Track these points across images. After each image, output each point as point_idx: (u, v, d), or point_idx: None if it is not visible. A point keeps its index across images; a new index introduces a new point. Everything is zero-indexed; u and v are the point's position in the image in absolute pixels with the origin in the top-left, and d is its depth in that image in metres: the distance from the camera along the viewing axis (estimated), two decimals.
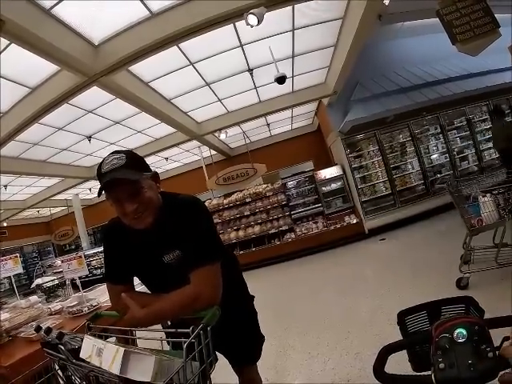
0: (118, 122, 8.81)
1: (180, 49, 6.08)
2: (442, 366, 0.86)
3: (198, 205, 1.76)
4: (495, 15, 4.73)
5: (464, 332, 0.89)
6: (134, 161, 1.61)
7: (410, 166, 10.23)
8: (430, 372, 0.91)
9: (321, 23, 6.59)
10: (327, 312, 4.93)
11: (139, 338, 1.60)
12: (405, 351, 1.15)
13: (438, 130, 10.33)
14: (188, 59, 6.57)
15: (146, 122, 8.92)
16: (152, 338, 1.52)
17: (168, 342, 1.53)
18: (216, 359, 1.85)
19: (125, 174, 1.52)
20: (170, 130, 9.80)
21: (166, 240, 1.68)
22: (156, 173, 1.74)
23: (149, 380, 1.11)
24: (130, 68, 6.13)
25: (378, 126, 9.68)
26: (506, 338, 0.92)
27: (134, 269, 1.82)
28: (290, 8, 5.71)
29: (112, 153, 1.61)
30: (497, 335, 0.93)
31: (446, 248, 6.05)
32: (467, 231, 4.37)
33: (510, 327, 0.96)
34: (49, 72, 5.80)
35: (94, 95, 6.54)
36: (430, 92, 9.42)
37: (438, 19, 4.81)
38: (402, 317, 1.29)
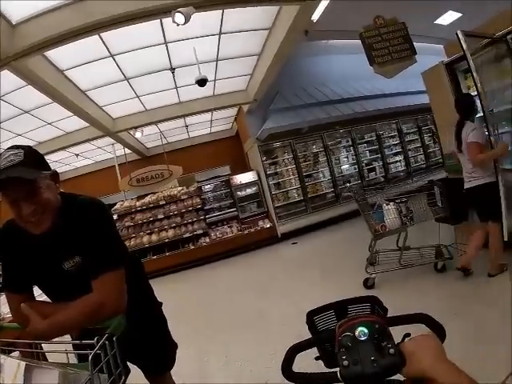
0: (27, 112, 8.05)
1: (101, 38, 5.80)
2: (345, 363, 0.88)
3: (99, 207, 1.67)
4: (416, 44, 5.24)
5: (365, 330, 0.92)
6: (32, 158, 1.49)
7: (322, 175, 10.81)
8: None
9: (248, 31, 6.73)
10: (242, 315, 5.00)
11: (44, 352, 1.51)
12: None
13: (350, 143, 11.14)
14: (109, 50, 6.29)
15: (58, 113, 8.25)
16: (55, 350, 1.44)
17: (75, 355, 1.43)
18: (128, 370, 1.80)
19: (21, 172, 1.39)
20: (83, 124, 9.20)
21: (65, 245, 1.57)
22: (56, 172, 1.61)
23: None
24: (45, 53, 5.70)
25: (294, 135, 10.11)
26: (407, 335, 0.97)
27: (33, 276, 1.67)
28: (219, 11, 5.76)
29: (9, 148, 1.49)
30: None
31: (353, 251, 6.40)
32: (372, 235, 4.75)
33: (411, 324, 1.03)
34: None
35: (4, 79, 5.86)
36: (344, 108, 10.17)
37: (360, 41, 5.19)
38: (311, 316, 1.32)
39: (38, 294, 1.74)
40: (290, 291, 5.46)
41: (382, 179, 11.20)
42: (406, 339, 0.93)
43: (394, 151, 11.81)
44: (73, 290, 1.50)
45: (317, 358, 1.22)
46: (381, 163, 11.46)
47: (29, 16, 4.93)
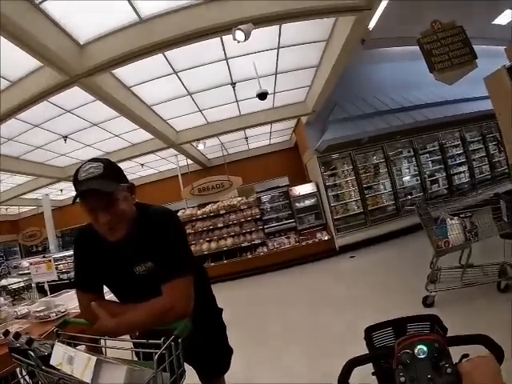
0: (95, 124, 8.69)
1: (165, 57, 6.11)
2: (402, 379, 0.89)
3: (171, 217, 1.75)
4: (474, 46, 5.00)
5: (425, 348, 0.93)
6: (111, 171, 1.59)
7: (382, 187, 10.48)
8: None
9: (305, 43, 6.76)
10: (296, 326, 4.96)
11: (109, 348, 1.56)
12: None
13: (411, 153, 10.67)
14: (172, 68, 6.61)
15: (125, 126, 8.83)
16: (122, 348, 1.50)
17: (137, 353, 1.51)
18: (184, 371, 1.91)
19: (100, 184, 1.49)
20: (148, 136, 9.72)
21: (139, 251, 1.67)
22: (132, 184, 1.72)
23: None
24: (113, 71, 6.11)
25: (354, 146, 9.90)
26: (465, 356, 0.96)
27: (105, 278, 1.80)
28: (277, 26, 5.86)
29: (89, 160, 1.59)
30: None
31: (413, 267, 6.17)
32: (434, 252, 4.53)
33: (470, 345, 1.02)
34: (31, 67, 5.69)
35: (74, 95, 6.42)
36: (405, 116, 9.75)
37: (418, 47, 5.04)
38: (369, 332, 1.32)
39: (105, 291, 1.84)
40: (346, 305, 5.37)
41: (446, 191, 10.63)
42: (464, 360, 0.92)
43: (457, 161, 11.11)
44: (141, 292, 1.59)
45: (373, 374, 1.23)
46: (444, 174, 10.85)
47: (95, 36, 5.30)
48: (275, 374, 3.75)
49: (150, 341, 1.31)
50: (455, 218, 4.44)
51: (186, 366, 1.93)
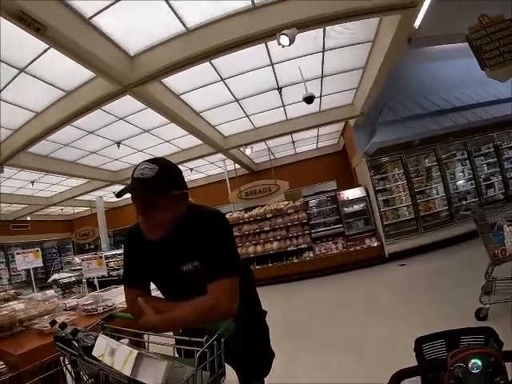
0: (147, 131, 9.07)
1: (212, 64, 6.25)
2: None
3: (220, 218, 1.76)
4: None
5: (479, 363, 0.89)
6: (164, 175, 1.58)
7: (435, 191, 10.01)
8: None
9: (351, 45, 6.66)
10: (341, 334, 4.87)
11: (151, 343, 1.59)
12: (419, 378, 1.14)
13: (465, 156, 10.10)
14: (219, 75, 6.74)
15: (174, 132, 9.15)
16: (164, 343, 1.50)
17: (178, 350, 1.52)
18: (225, 372, 1.91)
19: (144, 189, 1.53)
20: (197, 141, 9.96)
21: (187, 250, 1.69)
22: (184, 192, 1.71)
23: None
24: (162, 80, 6.31)
25: (404, 149, 9.57)
26: None
27: (152, 275, 1.83)
28: (321, 29, 5.80)
29: (147, 160, 1.61)
30: None
31: (466, 277, 5.92)
32: (490, 261, 4.28)
33: None
34: (84, 78, 6.04)
35: (126, 103, 6.74)
36: (457, 117, 9.29)
37: (467, 44, 4.80)
38: (420, 343, 1.28)
39: (152, 288, 1.89)
40: (394, 315, 5.21)
41: (502, 196, 9.94)
42: None
43: None
44: (187, 290, 1.60)
45: None
46: (500, 178, 10.13)
47: (145, 47, 5.53)
48: (316, 378, 3.72)
49: (193, 338, 1.31)
50: None
51: (227, 368, 1.95)
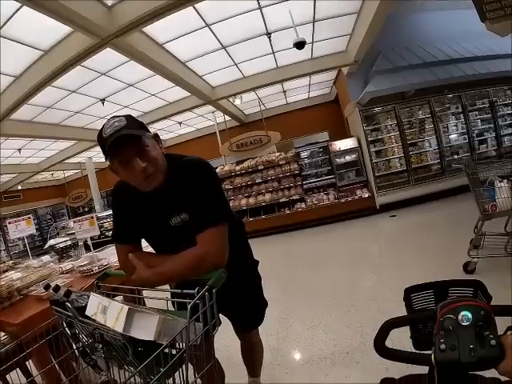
0: (131, 85, 8.74)
1: (196, 10, 5.90)
2: (443, 346, 0.87)
3: (204, 166, 1.73)
4: None
5: (469, 315, 0.89)
6: (134, 123, 1.57)
7: (428, 144, 9.91)
8: (430, 351, 0.91)
9: None
10: (332, 284, 4.97)
11: (145, 298, 1.65)
12: (407, 328, 1.17)
13: (459, 110, 9.91)
14: (204, 21, 6.39)
15: (160, 85, 8.84)
16: (157, 297, 1.54)
17: (173, 303, 1.50)
18: (220, 322, 1.91)
19: (129, 131, 1.48)
20: (184, 93, 9.67)
21: (173, 202, 1.67)
22: (156, 134, 1.71)
23: (152, 339, 1.13)
24: (143, 29, 6.01)
25: (398, 99, 9.43)
26: (510, 328, 0.91)
27: (142, 230, 1.82)
28: None
29: (111, 117, 1.56)
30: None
31: (456, 231, 5.99)
32: (480, 215, 4.30)
33: None
34: (61, 34, 5.74)
35: (107, 57, 6.45)
36: (454, 69, 9.07)
37: None
38: (409, 293, 1.29)
39: (145, 246, 1.88)
40: (384, 266, 5.29)
41: (494, 153, 9.91)
42: (509, 332, 0.90)
43: (508, 122, 10.19)
44: (178, 243, 1.60)
45: (412, 337, 1.22)
46: (493, 135, 10.02)
47: None
48: (308, 326, 3.84)
49: (185, 291, 1.33)
50: (504, 180, 4.17)
51: (222, 318, 2.00)
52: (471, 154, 9.75)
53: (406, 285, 1.30)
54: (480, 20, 4.48)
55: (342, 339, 3.38)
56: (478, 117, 10.07)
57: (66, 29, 5.36)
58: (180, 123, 13.48)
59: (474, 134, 9.97)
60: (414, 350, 1.06)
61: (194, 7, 5.74)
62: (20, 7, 4.68)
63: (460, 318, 0.89)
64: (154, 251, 1.93)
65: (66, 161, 14.63)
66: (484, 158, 9.49)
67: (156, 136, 1.68)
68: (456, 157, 9.79)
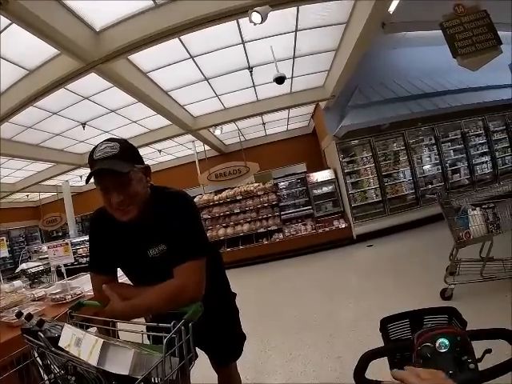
0: (113, 111, 8.74)
1: (181, 41, 6.05)
2: None
3: (186, 200, 1.73)
4: (499, 32, 4.79)
5: (446, 342, 0.90)
6: (126, 151, 1.57)
7: (402, 175, 10.25)
8: None
9: (324, 26, 6.59)
10: (311, 314, 4.94)
11: (120, 330, 1.57)
12: (386, 358, 1.15)
13: (433, 141, 10.39)
14: (188, 52, 6.53)
15: (142, 112, 8.85)
16: (133, 331, 1.47)
17: (148, 337, 1.50)
18: (196, 356, 1.83)
19: (114, 164, 1.48)
20: (165, 122, 9.73)
21: (152, 233, 1.66)
22: (148, 166, 1.71)
23: (127, 373, 1.09)
24: (129, 57, 6.09)
25: (373, 132, 9.73)
26: (488, 351, 0.94)
27: (118, 260, 1.79)
28: (294, 8, 5.70)
29: (106, 140, 1.58)
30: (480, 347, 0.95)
31: (432, 258, 6.09)
32: (454, 243, 4.41)
33: (492, 340, 0.97)
34: (48, 55, 5.73)
35: (91, 81, 6.45)
36: (427, 103, 9.52)
37: (440, 31, 4.85)
38: (385, 324, 1.29)
39: (120, 275, 1.85)
40: (362, 296, 5.32)
41: (467, 182, 10.33)
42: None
43: (480, 151, 10.78)
44: (155, 275, 1.57)
45: (391, 368, 1.19)
46: (466, 164, 10.52)
47: (111, 23, 5.29)
48: (287, 359, 3.77)
49: (160, 324, 1.28)
50: (477, 208, 4.33)
51: (199, 352, 1.96)
52: (444, 184, 10.12)
53: (385, 314, 1.31)
54: (452, 56, 4.76)
55: (322, 371, 3.35)
56: (451, 147, 10.57)
57: (52, 50, 5.36)
58: (160, 151, 13.42)
59: (447, 164, 10.40)
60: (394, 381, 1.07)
61: (180, 39, 5.89)
62: (9, 24, 4.68)
63: (437, 345, 0.91)
64: (129, 282, 1.90)
65: (43, 183, 14.27)
66: (457, 186, 9.84)
67: (147, 169, 1.69)
68: (430, 186, 10.11)
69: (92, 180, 1.54)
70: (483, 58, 4.82)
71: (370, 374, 1.02)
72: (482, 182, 10.25)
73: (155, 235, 1.66)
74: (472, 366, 0.85)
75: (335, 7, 5.89)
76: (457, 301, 4.22)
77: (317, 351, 3.78)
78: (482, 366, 0.88)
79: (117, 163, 1.49)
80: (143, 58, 6.34)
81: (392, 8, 6.09)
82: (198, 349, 1.97)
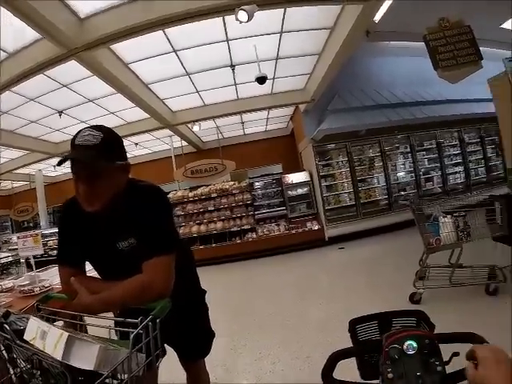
0: (91, 100, 8.57)
1: (165, 34, 6.00)
2: (390, 376, 0.88)
3: (158, 194, 1.71)
4: (480, 48, 4.96)
5: (414, 344, 0.91)
6: (109, 143, 1.53)
7: (376, 181, 10.47)
8: (378, 381, 0.95)
9: (309, 30, 6.66)
10: (281, 314, 4.97)
11: (87, 325, 1.56)
12: (354, 358, 1.17)
13: (408, 150, 10.66)
14: (172, 46, 6.48)
15: (121, 104, 8.71)
16: (99, 325, 1.43)
17: (116, 332, 1.45)
18: (164, 353, 1.87)
19: (88, 157, 1.46)
20: (144, 115, 9.58)
21: (122, 226, 1.63)
22: (127, 163, 1.67)
23: (91, 368, 1.07)
24: (111, 46, 6.00)
25: (350, 138, 9.88)
26: (455, 354, 0.95)
27: (87, 253, 1.76)
28: (281, 10, 5.74)
29: (91, 127, 1.53)
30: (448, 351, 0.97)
31: (402, 263, 6.20)
32: (425, 249, 4.54)
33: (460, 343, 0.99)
34: (29, 39, 5.57)
35: (71, 69, 6.29)
36: (404, 112, 9.78)
37: (424, 43, 4.99)
38: (354, 325, 1.29)
39: (89, 269, 1.81)
40: (332, 297, 5.40)
41: (439, 190, 10.67)
42: (469, 364, 0.87)
43: (453, 161, 11.19)
44: (124, 269, 1.54)
45: (358, 368, 1.20)
46: (439, 173, 10.91)
47: (96, 11, 5.19)
48: (256, 358, 3.78)
49: (128, 320, 1.27)
50: (448, 216, 4.45)
51: (168, 349, 1.95)
52: (417, 191, 10.42)
53: (354, 315, 1.32)
54: (433, 68, 4.90)
55: (291, 370, 3.38)
56: (425, 156, 10.92)
57: (34, 35, 5.22)
58: (136, 144, 13.25)
59: (421, 172, 10.72)
60: (361, 381, 1.06)
61: (164, 32, 5.84)
62: None
63: (405, 347, 0.92)
64: (97, 275, 1.86)
65: (16, 171, 13.79)
66: (430, 194, 10.10)
67: (126, 166, 1.65)
68: (403, 193, 10.38)
69: (67, 170, 1.51)
70: (463, 71, 4.97)
71: (339, 374, 1.04)
72: (455, 191, 10.57)
73: (125, 228, 1.63)
74: (439, 368, 0.87)
75: (321, 12, 5.96)
76: (425, 305, 4.32)
77: (286, 351, 3.80)
78: (450, 369, 0.90)
79: (92, 155, 1.46)
80: (125, 49, 6.23)
81: (378, 17, 6.22)
82: (167, 346, 1.97)
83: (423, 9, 5.93)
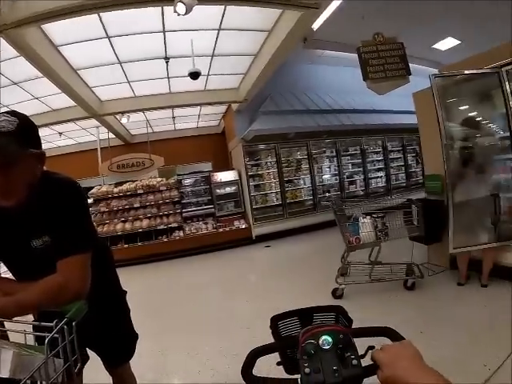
0: (15, 83, 7.84)
1: (100, 18, 5.69)
2: (307, 370, 0.89)
3: (73, 188, 1.60)
4: (410, 64, 5.33)
5: (329, 339, 0.94)
6: (24, 131, 1.40)
7: (302, 182, 10.90)
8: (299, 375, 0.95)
9: (247, 30, 6.71)
10: (208, 313, 5.00)
11: (7, 331, 1.41)
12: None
13: (334, 154, 11.30)
14: (106, 31, 6.16)
15: (46, 88, 8.05)
16: (14, 330, 1.34)
17: (34, 336, 1.34)
18: (87, 358, 1.82)
19: (3, 143, 1.30)
20: (70, 102, 8.93)
21: (36, 223, 1.51)
22: (42, 153, 1.51)
23: (7, 376, 1.01)
24: (42, 26, 5.57)
25: (280, 139, 10.16)
26: (371, 348, 0.98)
27: (0, 251, 1.63)
28: (221, 7, 5.73)
29: (7, 112, 1.40)
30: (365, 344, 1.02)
31: (325, 260, 6.46)
32: (346, 247, 4.82)
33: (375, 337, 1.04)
34: None
35: None
36: (333, 118, 10.33)
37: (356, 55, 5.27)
38: (275, 321, 1.30)
39: (4, 271, 1.71)
40: (258, 294, 5.51)
41: (362, 193, 11.44)
42: (377, 348, 0.92)
43: (376, 167, 12.06)
44: (39, 269, 1.44)
45: (278, 364, 1.20)
46: (362, 177, 11.70)
47: None
48: (185, 358, 3.77)
49: (43, 323, 1.20)
50: (368, 217, 4.77)
51: (91, 353, 1.90)
52: (341, 193, 11.04)
53: (279, 311, 1.33)
54: (362, 78, 5.19)
55: (220, 368, 3.40)
56: (350, 161, 11.65)
57: None
58: (61, 134, 12.33)
59: (345, 176, 11.42)
60: (282, 376, 1.03)
61: (99, 15, 5.55)
62: None
63: (321, 342, 0.94)
64: (12, 276, 1.72)
65: None
66: (352, 196, 10.79)
67: (41, 155, 1.50)
68: (327, 194, 10.93)
69: None
70: (391, 84, 5.33)
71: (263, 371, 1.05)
72: (376, 194, 11.38)
73: (39, 225, 1.51)
74: (355, 361, 0.89)
75: (261, 14, 6.02)
76: (347, 300, 4.60)
77: (214, 349, 3.82)
78: (365, 362, 0.92)
79: (7, 142, 1.32)
80: (57, 30, 5.81)
81: (316, 25, 6.43)
82: (89, 350, 1.92)
83: (362, 23, 6.26)
